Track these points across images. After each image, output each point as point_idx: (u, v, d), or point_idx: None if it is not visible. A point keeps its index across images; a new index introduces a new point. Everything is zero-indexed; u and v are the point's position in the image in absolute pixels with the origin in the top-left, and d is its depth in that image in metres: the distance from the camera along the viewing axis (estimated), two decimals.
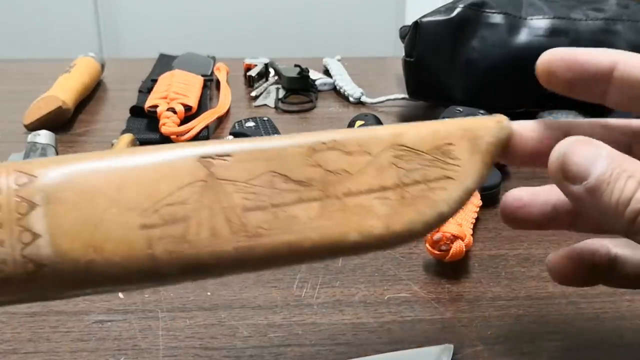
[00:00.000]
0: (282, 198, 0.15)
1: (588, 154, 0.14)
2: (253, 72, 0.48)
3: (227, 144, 0.15)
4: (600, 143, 0.15)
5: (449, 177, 0.16)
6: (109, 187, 0.14)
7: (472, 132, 0.16)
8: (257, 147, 0.15)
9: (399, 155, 0.16)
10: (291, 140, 0.15)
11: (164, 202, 0.14)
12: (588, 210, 0.14)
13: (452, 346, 0.20)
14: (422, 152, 0.16)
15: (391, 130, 0.16)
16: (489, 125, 0.16)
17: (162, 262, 0.14)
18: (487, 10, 0.39)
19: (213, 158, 0.15)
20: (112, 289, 0.14)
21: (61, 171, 0.14)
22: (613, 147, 0.14)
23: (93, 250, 0.13)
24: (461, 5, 0.39)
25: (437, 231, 0.23)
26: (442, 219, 0.16)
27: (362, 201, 0.15)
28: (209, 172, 0.14)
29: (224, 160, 0.15)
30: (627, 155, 0.14)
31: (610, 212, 0.13)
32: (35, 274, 0.13)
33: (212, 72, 0.49)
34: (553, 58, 0.16)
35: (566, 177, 0.14)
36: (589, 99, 0.16)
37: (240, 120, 0.37)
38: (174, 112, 0.37)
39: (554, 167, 0.15)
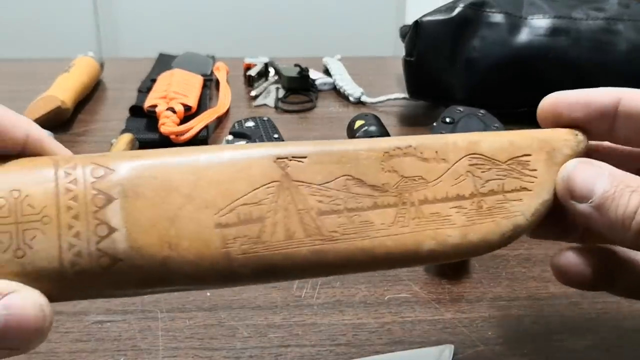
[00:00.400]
0: (357, 202, 0.15)
1: (590, 173, 0.15)
2: (253, 72, 0.47)
3: (302, 146, 0.15)
4: (602, 163, 0.15)
5: (525, 189, 0.16)
6: (185, 184, 0.14)
7: (549, 144, 0.16)
8: (332, 150, 0.15)
9: (476, 164, 0.16)
10: (366, 144, 0.15)
11: (239, 202, 0.14)
12: (596, 227, 0.15)
13: (452, 346, 0.20)
14: (499, 161, 0.16)
15: (468, 138, 0.16)
16: (566, 138, 0.16)
17: (237, 262, 0.14)
18: (488, 10, 0.39)
19: (289, 159, 0.15)
20: (185, 288, 0.14)
21: (138, 165, 0.14)
22: None
23: (169, 247, 0.13)
24: (461, 5, 0.39)
25: None
26: (518, 230, 0.15)
27: (438, 209, 0.15)
28: (284, 173, 0.14)
29: (300, 161, 0.15)
30: (628, 173, 0.15)
31: (617, 226, 0.14)
32: (110, 268, 0.13)
33: (212, 72, 0.48)
34: (558, 100, 0.17)
35: (573, 196, 0.15)
36: (597, 137, 0.17)
37: (240, 120, 0.37)
38: (174, 111, 0.37)
39: (560, 188, 0.16)
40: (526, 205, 0.16)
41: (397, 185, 0.15)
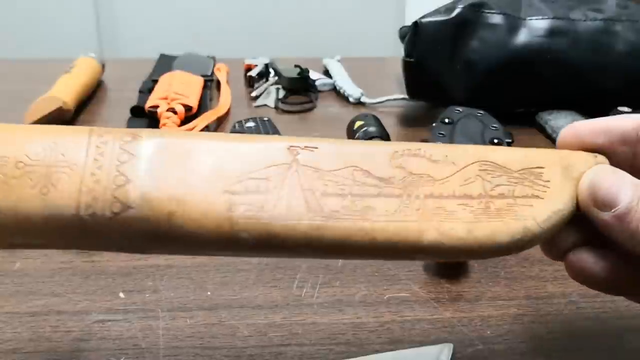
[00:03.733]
0: (362, 190, 0.15)
1: (615, 182, 0.15)
2: (253, 73, 0.48)
3: (316, 140, 0.16)
4: (625, 172, 0.15)
5: (537, 196, 0.15)
6: (202, 153, 0.15)
7: (566, 160, 0.16)
8: (342, 146, 0.16)
9: (486, 169, 0.16)
10: (377, 144, 0.16)
11: (249, 176, 0.15)
12: (616, 236, 0.15)
13: (451, 345, 0.20)
14: (511, 170, 0.16)
15: (480, 148, 0.16)
16: (585, 158, 0.16)
17: (238, 226, 0.14)
18: (487, 11, 0.39)
19: (301, 148, 0.15)
20: (188, 248, 0.15)
21: (164, 137, 0.15)
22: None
23: (176, 203, 0.14)
24: (461, 6, 0.39)
25: None
26: (529, 234, 0.15)
27: (444, 204, 0.15)
28: (295, 158, 0.15)
29: (311, 150, 0.15)
30: None
31: (636, 240, 0.14)
32: (120, 214, 0.14)
33: (213, 73, 0.49)
34: (580, 128, 0.17)
35: (596, 205, 0.15)
36: (620, 164, 0.17)
37: (241, 121, 0.37)
38: (175, 112, 0.37)
39: (584, 195, 0.15)
40: (537, 211, 0.15)
41: (404, 179, 0.15)
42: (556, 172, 0.16)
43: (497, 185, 0.15)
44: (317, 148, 0.15)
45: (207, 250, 0.15)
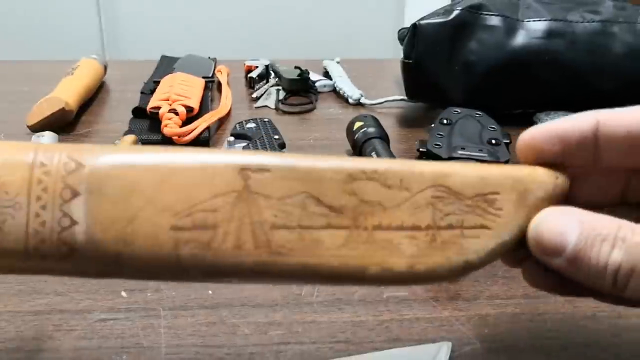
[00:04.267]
0: (310, 220, 0.15)
1: (559, 226, 0.14)
2: (254, 74, 0.48)
3: (269, 157, 0.15)
4: (572, 210, 0.15)
5: (485, 227, 0.15)
6: (149, 186, 0.14)
7: (523, 184, 0.16)
8: (297, 166, 0.15)
9: (439, 196, 0.15)
10: (333, 164, 0.15)
11: (197, 208, 0.14)
12: (572, 277, 0.15)
13: (450, 344, 0.20)
14: (464, 196, 0.15)
15: (438, 169, 0.16)
16: (543, 180, 0.16)
17: (186, 264, 0.14)
18: (485, 13, 0.40)
19: (252, 170, 0.15)
20: (137, 279, 0.16)
21: (107, 163, 0.15)
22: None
23: (123, 244, 0.14)
24: (459, 8, 0.39)
25: None
26: (469, 267, 0.15)
27: (390, 236, 0.15)
28: (246, 184, 0.15)
29: (263, 174, 0.15)
30: (598, 215, 0.14)
31: (593, 277, 0.14)
32: (68, 257, 0.14)
33: (214, 74, 0.49)
34: (535, 135, 0.16)
35: (545, 253, 0.15)
36: (583, 164, 0.16)
37: (241, 122, 0.37)
38: (176, 113, 0.37)
39: (532, 245, 0.15)
40: (482, 244, 0.15)
41: (355, 209, 0.15)
42: (510, 200, 0.15)
43: (447, 215, 0.15)
44: (269, 171, 0.15)
45: (158, 280, 0.15)
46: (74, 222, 0.14)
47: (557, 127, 0.16)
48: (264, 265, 0.14)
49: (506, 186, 0.16)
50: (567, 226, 0.14)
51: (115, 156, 0.15)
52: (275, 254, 0.15)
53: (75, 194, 0.14)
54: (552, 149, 0.16)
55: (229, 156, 0.15)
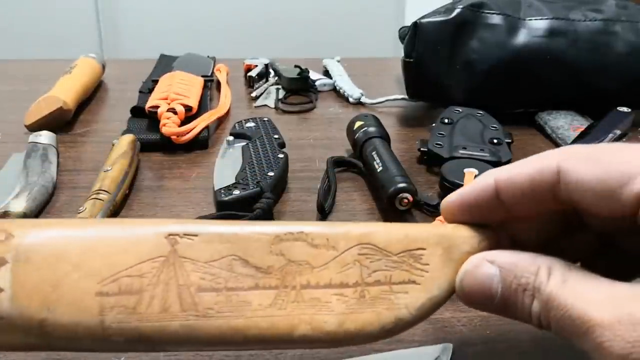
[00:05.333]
0: (238, 282, 0.15)
1: (483, 279, 0.15)
2: (253, 73, 0.48)
3: (197, 225, 0.16)
4: (492, 255, 0.15)
5: (413, 282, 0.16)
6: (75, 253, 0.15)
7: (448, 240, 0.16)
8: (224, 231, 0.16)
9: (366, 253, 0.16)
10: (260, 227, 0.16)
11: (123, 274, 0.15)
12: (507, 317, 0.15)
13: (451, 345, 0.20)
14: (391, 253, 0.16)
15: (362, 229, 0.16)
16: (467, 235, 0.16)
17: (110, 330, 0.14)
18: (486, 11, 0.39)
19: (180, 236, 0.15)
20: (62, 349, 0.15)
21: (36, 234, 0.15)
22: None
23: (47, 310, 0.14)
24: (460, 6, 0.39)
25: None
26: (400, 324, 0.15)
27: (319, 295, 0.15)
28: (173, 249, 0.15)
29: (190, 239, 0.15)
30: (519, 256, 0.15)
31: (522, 320, 0.15)
32: None
33: (213, 73, 0.49)
34: (449, 206, 0.17)
35: (473, 304, 0.16)
36: (499, 219, 0.17)
37: (241, 121, 0.37)
38: (175, 112, 0.37)
39: (461, 299, 0.16)
40: (412, 299, 0.15)
41: (282, 269, 0.15)
42: (436, 254, 0.16)
43: (375, 271, 0.16)
44: (196, 236, 0.15)
45: (82, 350, 0.15)
46: (0, 290, 0.14)
47: (465, 196, 0.17)
48: (190, 328, 0.15)
49: (431, 242, 0.16)
50: (489, 277, 0.15)
51: (44, 227, 0.15)
52: (202, 317, 0.15)
53: (2, 262, 0.14)
54: (469, 216, 0.17)
55: (156, 224, 0.16)
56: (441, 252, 0.16)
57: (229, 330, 0.15)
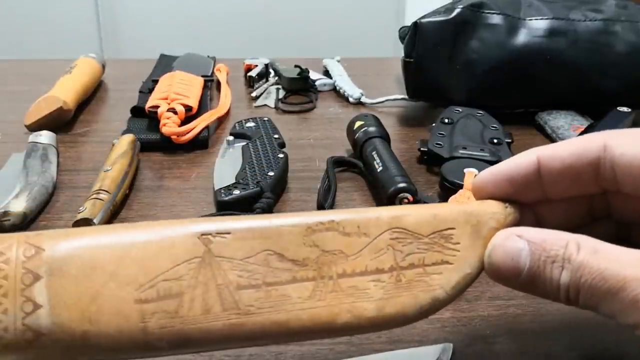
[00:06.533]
0: (275, 277, 0.15)
1: (511, 252, 0.15)
2: (253, 73, 0.48)
3: (228, 222, 0.16)
4: (521, 231, 0.16)
5: (446, 262, 0.16)
6: (109, 262, 0.15)
7: (475, 217, 0.16)
8: (256, 226, 0.16)
9: (397, 237, 0.16)
10: (290, 219, 0.16)
11: (160, 278, 0.15)
12: (532, 294, 0.16)
13: (451, 345, 0.20)
14: (422, 235, 0.16)
15: (392, 212, 0.16)
16: (494, 211, 0.17)
17: (154, 336, 0.14)
18: (486, 11, 0.39)
19: (213, 235, 0.15)
20: (106, 358, 0.15)
21: (66, 245, 0.15)
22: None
23: (89, 322, 0.14)
24: (460, 6, 0.39)
25: None
26: (437, 304, 0.16)
27: (356, 283, 0.15)
28: (207, 249, 0.15)
29: (223, 237, 0.15)
30: (546, 232, 0.15)
31: (549, 295, 0.15)
32: (34, 342, 0.14)
33: (213, 73, 0.49)
34: (485, 179, 0.17)
35: (501, 280, 0.16)
36: (535, 198, 0.17)
37: (241, 121, 0.37)
38: (175, 112, 0.37)
39: (489, 274, 0.16)
40: (446, 279, 0.16)
41: (317, 259, 0.15)
42: (465, 233, 0.16)
43: (408, 255, 0.16)
44: (229, 233, 0.15)
45: (125, 356, 0.15)
46: (37, 306, 0.14)
47: (503, 170, 0.17)
48: (234, 326, 0.15)
49: (460, 220, 0.16)
50: (518, 251, 0.15)
51: (73, 236, 0.15)
52: (244, 314, 0.15)
53: (37, 278, 0.14)
54: (503, 191, 0.17)
55: (189, 224, 0.16)
56: (470, 230, 0.16)
57: (272, 325, 0.15)
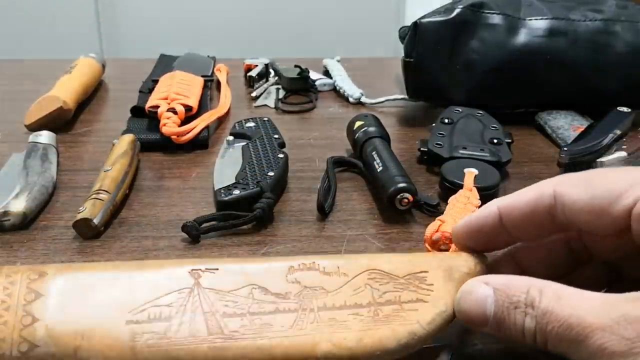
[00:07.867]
0: (259, 307, 0.17)
1: (478, 300, 0.16)
2: (253, 73, 0.48)
3: (217, 261, 0.18)
4: (488, 278, 0.17)
5: (421, 300, 0.17)
6: (105, 288, 0.17)
7: (447, 263, 0.18)
8: (242, 265, 0.17)
9: (375, 277, 0.17)
10: (274, 263, 0.18)
11: (151, 304, 0.16)
12: (501, 338, 0.16)
13: (451, 345, 0.20)
14: (397, 276, 0.18)
15: (370, 257, 0.18)
16: (466, 258, 0.18)
17: (143, 354, 0.15)
18: (486, 11, 0.39)
19: (202, 270, 0.17)
20: None
21: (67, 273, 0.17)
22: None
23: (81, 338, 0.15)
24: (460, 6, 0.39)
25: (436, 231, 0.23)
26: (415, 337, 0.17)
27: (335, 315, 0.17)
28: (197, 281, 0.17)
29: (212, 272, 0.17)
30: (511, 278, 0.16)
31: (516, 339, 0.16)
32: (28, 353, 0.15)
33: (213, 73, 0.49)
34: (457, 233, 0.19)
35: (472, 325, 0.17)
36: (504, 246, 0.19)
37: (241, 121, 0.37)
38: (175, 112, 0.37)
39: (460, 318, 0.17)
40: (422, 315, 0.17)
41: (299, 294, 0.17)
42: (439, 276, 0.18)
43: (385, 292, 0.17)
44: (217, 269, 0.17)
45: None
46: (35, 320, 0.15)
47: (473, 222, 0.19)
48: (218, 349, 0.16)
49: (433, 265, 0.18)
50: (484, 297, 0.16)
51: (75, 269, 0.17)
52: (229, 339, 0.16)
53: (38, 295, 0.16)
54: (477, 240, 0.19)
55: (177, 264, 0.17)
56: (442, 274, 0.18)
57: (255, 350, 0.16)
